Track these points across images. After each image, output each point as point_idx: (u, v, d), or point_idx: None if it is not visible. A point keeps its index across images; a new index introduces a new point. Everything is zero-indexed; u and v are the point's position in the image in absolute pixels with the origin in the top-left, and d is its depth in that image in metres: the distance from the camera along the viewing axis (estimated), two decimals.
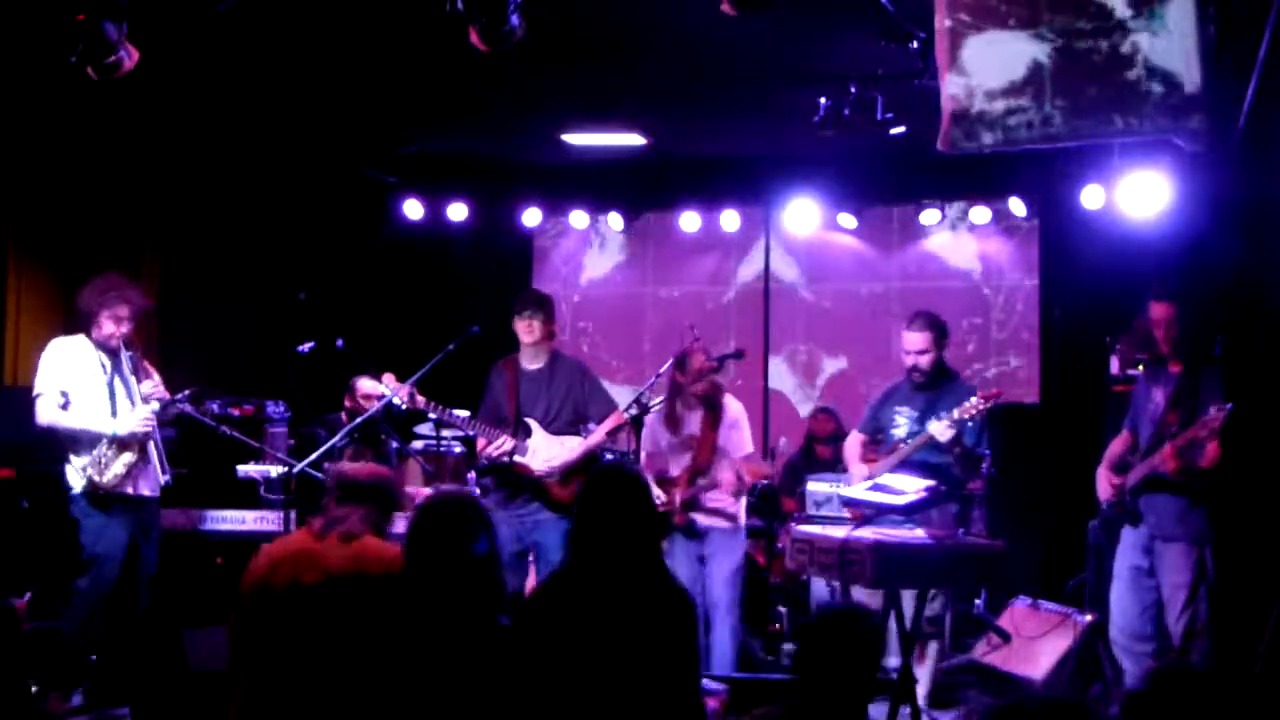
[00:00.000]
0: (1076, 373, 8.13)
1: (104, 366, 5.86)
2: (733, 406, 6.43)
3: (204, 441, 6.35)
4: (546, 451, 6.23)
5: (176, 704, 4.93)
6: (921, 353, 5.93)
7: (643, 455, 6.47)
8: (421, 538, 3.71)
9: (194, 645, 4.94)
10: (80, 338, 5.89)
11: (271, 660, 3.85)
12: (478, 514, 3.80)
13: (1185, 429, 5.12)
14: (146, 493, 5.91)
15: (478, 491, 7.70)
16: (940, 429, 5.65)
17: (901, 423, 5.98)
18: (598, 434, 6.27)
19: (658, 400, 6.41)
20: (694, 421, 6.32)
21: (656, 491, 6.19)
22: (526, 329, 6.29)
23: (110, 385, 5.85)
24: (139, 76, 5.06)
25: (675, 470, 6.32)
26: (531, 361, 6.37)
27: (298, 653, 3.82)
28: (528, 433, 6.27)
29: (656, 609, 3.63)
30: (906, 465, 5.79)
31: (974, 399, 5.66)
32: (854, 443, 6.24)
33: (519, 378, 6.34)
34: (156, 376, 6.00)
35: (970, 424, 5.71)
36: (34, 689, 5.51)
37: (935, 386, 5.96)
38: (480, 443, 6.30)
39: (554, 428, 6.29)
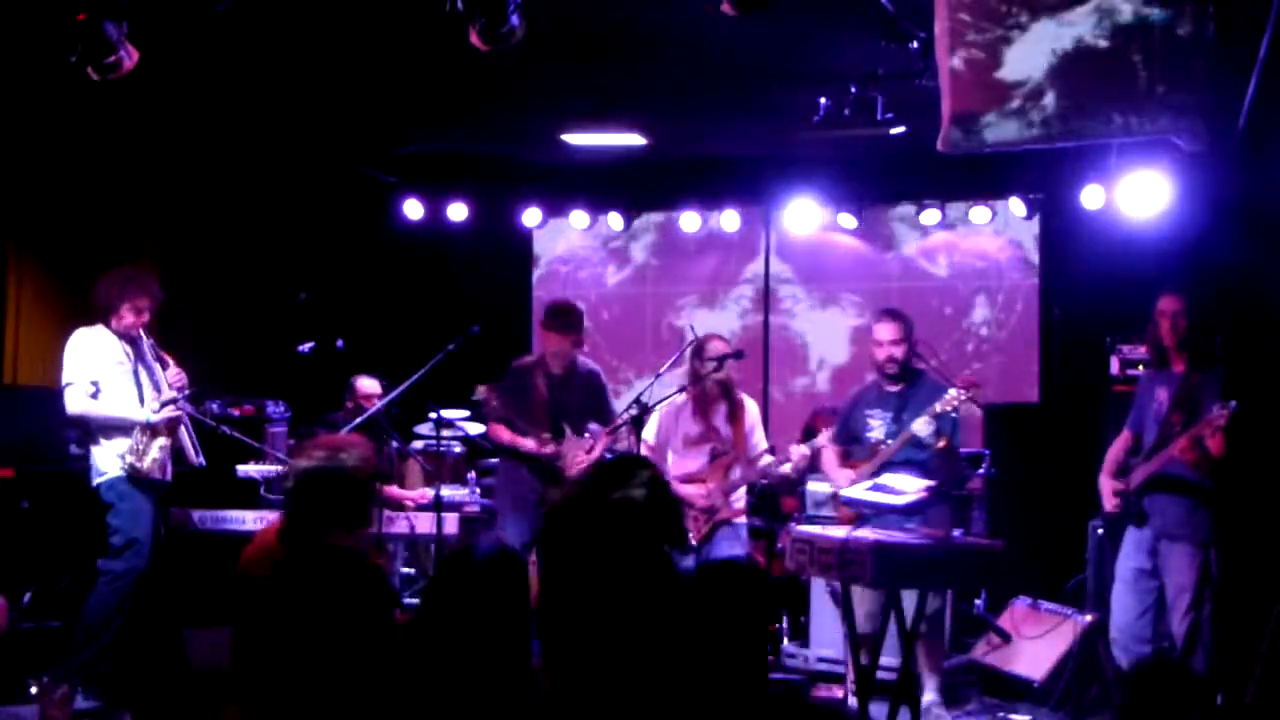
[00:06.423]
0: (1076, 373, 8.11)
1: (128, 355, 5.93)
2: (751, 406, 6.52)
3: (204, 441, 6.34)
4: (574, 454, 6.40)
5: (178, 704, 4.92)
6: (895, 343, 5.91)
7: (645, 449, 6.50)
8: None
9: (194, 645, 4.93)
10: (100, 328, 5.94)
11: (257, 655, 3.80)
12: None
13: (1189, 429, 5.12)
14: (168, 478, 5.99)
15: (478, 491, 7.74)
16: (923, 425, 5.62)
17: (876, 425, 5.94)
18: (615, 432, 6.45)
19: (660, 399, 6.45)
20: (716, 414, 6.40)
21: (689, 489, 6.23)
22: (559, 340, 6.43)
23: (135, 373, 5.92)
24: (139, 76, 5.06)
25: (690, 465, 6.35)
26: (559, 367, 6.52)
27: (273, 648, 3.75)
28: (562, 436, 6.44)
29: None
30: (888, 466, 5.77)
31: (953, 391, 5.62)
32: (830, 454, 6.19)
33: (549, 384, 6.49)
34: (173, 363, 6.06)
35: (954, 417, 5.69)
36: (33, 690, 5.55)
37: (905, 385, 5.94)
38: (531, 445, 6.41)
39: (577, 431, 6.50)
